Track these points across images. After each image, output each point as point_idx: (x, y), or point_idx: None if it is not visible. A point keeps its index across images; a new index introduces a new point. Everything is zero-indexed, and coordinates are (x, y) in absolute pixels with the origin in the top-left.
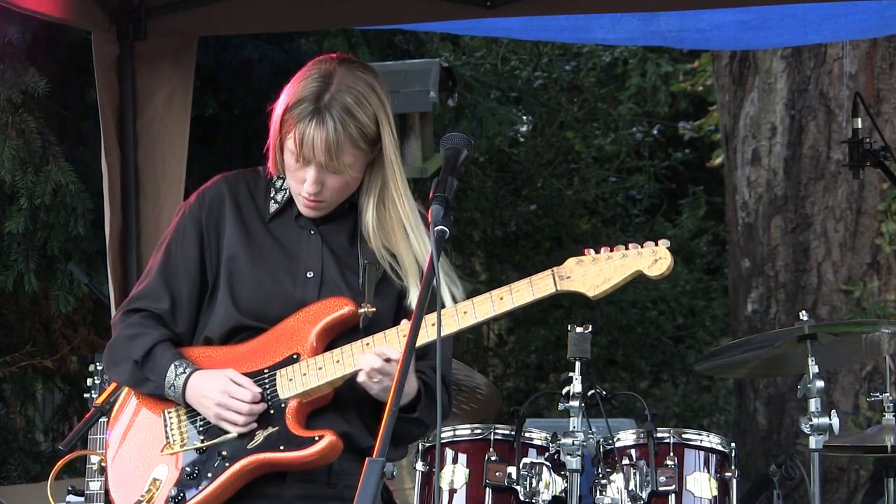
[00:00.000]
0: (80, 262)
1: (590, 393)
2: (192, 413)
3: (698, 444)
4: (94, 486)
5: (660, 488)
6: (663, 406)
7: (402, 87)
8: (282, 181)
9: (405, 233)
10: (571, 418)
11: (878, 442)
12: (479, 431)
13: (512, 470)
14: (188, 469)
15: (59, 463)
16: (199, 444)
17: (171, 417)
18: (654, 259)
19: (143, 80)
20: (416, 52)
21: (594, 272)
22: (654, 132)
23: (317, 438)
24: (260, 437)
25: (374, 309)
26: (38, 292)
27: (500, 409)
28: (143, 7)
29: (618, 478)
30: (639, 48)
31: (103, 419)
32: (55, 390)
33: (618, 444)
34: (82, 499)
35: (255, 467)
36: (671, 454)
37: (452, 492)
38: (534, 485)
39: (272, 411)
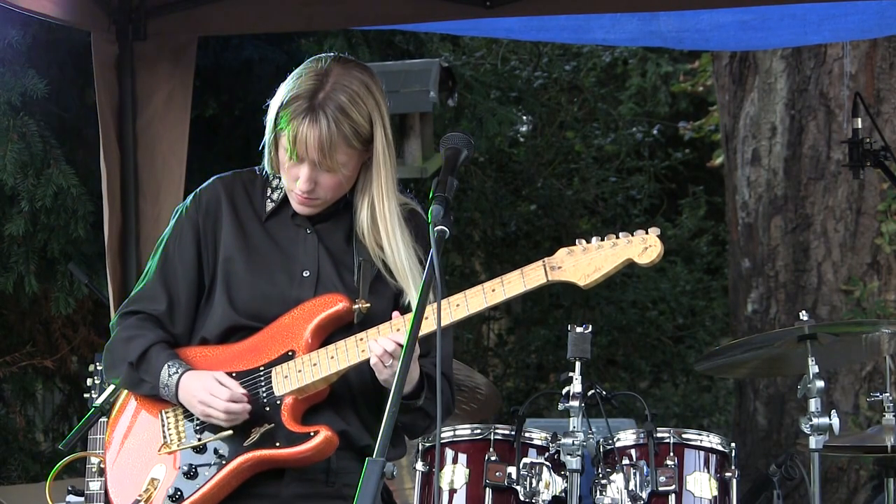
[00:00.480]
0: (80, 264)
1: (590, 393)
2: (189, 413)
3: (698, 444)
4: (94, 486)
5: (660, 488)
6: (663, 406)
7: (402, 87)
8: (278, 180)
9: (388, 238)
10: (571, 418)
11: (878, 442)
12: (479, 431)
13: (512, 470)
14: (185, 468)
15: (60, 465)
16: (195, 443)
17: (168, 417)
18: (644, 247)
19: (143, 81)
20: (416, 52)
21: (585, 262)
22: (654, 132)
23: (312, 434)
24: (256, 434)
25: (368, 305)
26: (38, 293)
27: (500, 409)
28: (143, 7)
29: (618, 478)
30: (639, 48)
31: (103, 419)
32: (55, 390)
33: (618, 444)
34: (82, 499)
35: (251, 464)
36: (671, 454)
37: (452, 492)
38: (534, 485)
39: (268, 408)
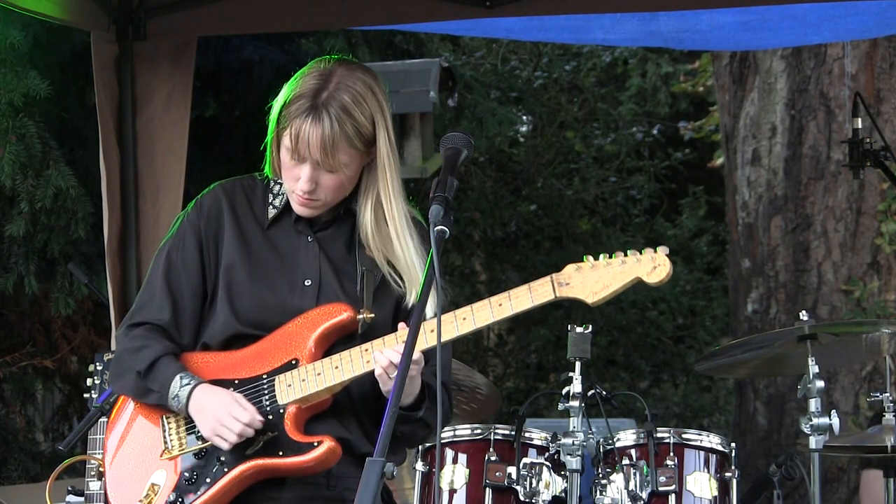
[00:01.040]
0: (80, 264)
1: (590, 393)
2: (191, 419)
3: (698, 444)
4: (94, 486)
5: (660, 488)
6: (663, 406)
7: (402, 87)
8: (279, 185)
9: (397, 239)
10: (571, 418)
11: (878, 442)
12: (479, 431)
13: (512, 470)
14: (187, 474)
15: (60, 467)
16: (197, 448)
17: (169, 423)
18: (653, 266)
19: (143, 81)
20: (416, 52)
21: (593, 279)
22: (654, 132)
23: (316, 444)
24: (259, 442)
25: (372, 315)
26: (38, 294)
27: (500, 409)
28: (143, 7)
29: (618, 478)
30: (639, 48)
31: (103, 419)
32: (55, 390)
33: (618, 444)
34: (82, 499)
35: (253, 473)
36: (671, 454)
37: (452, 492)
38: (534, 485)
39: (271, 417)
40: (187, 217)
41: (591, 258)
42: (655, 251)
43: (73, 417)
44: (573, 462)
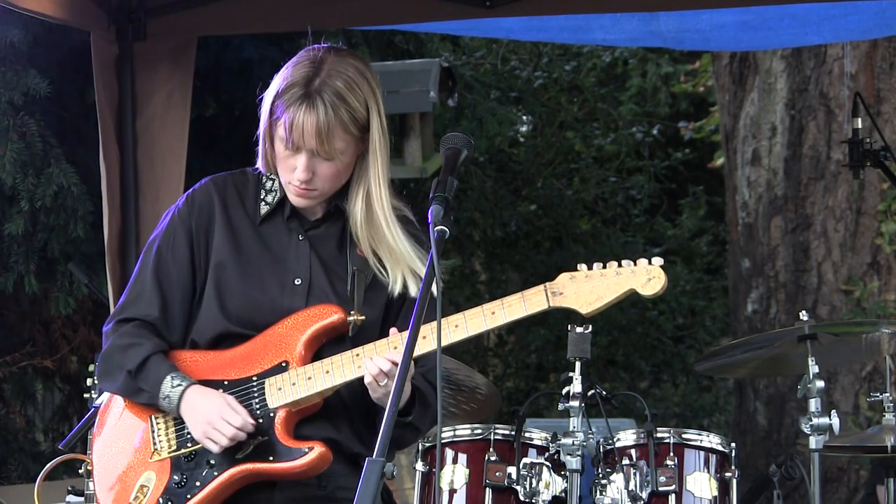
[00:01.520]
0: (80, 264)
1: (590, 393)
2: (180, 420)
3: (698, 444)
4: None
5: (660, 488)
6: (663, 406)
7: (402, 87)
8: (272, 181)
9: (385, 225)
10: (571, 418)
11: (878, 442)
12: (479, 431)
13: (512, 470)
14: (176, 477)
15: (49, 466)
16: (186, 450)
17: (157, 423)
18: (647, 278)
19: (143, 81)
20: (416, 52)
21: (587, 289)
22: (654, 132)
23: (306, 450)
24: (249, 446)
25: (363, 317)
26: (38, 293)
27: (500, 409)
28: (143, 7)
29: (618, 478)
30: (639, 49)
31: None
32: (55, 390)
33: (618, 444)
34: (82, 499)
35: (243, 477)
36: (671, 454)
37: (452, 492)
38: (534, 485)
39: (261, 420)
40: (178, 212)
41: (584, 267)
42: (650, 262)
43: (73, 417)
44: (573, 462)
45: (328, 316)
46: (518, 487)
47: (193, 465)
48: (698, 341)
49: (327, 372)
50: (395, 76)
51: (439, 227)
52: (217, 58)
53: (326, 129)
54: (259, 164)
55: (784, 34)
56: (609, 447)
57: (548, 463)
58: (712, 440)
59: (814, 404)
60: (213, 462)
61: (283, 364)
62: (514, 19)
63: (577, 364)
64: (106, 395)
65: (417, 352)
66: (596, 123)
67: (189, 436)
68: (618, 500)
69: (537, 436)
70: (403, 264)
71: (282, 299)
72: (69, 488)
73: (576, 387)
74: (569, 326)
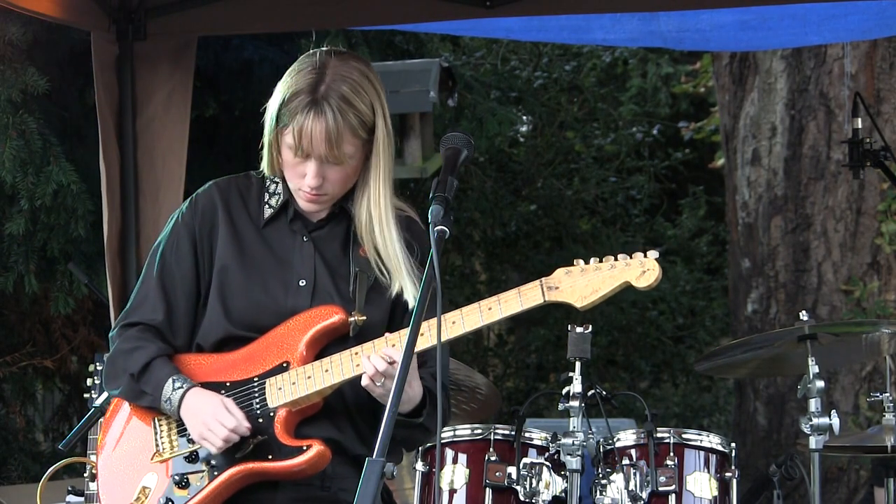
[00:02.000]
0: (80, 263)
1: (590, 393)
2: (183, 422)
3: (698, 444)
4: (94, 486)
5: (660, 488)
6: (663, 406)
7: (402, 87)
8: (276, 185)
9: (374, 225)
10: (571, 418)
11: (878, 442)
12: (479, 431)
13: (512, 470)
14: (177, 478)
15: (52, 469)
16: (188, 451)
17: (161, 425)
18: (642, 270)
19: (143, 81)
20: (416, 52)
21: (583, 283)
22: (655, 132)
23: (305, 448)
24: (249, 446)
25: (364, 318)
26: (38, 293)
27: (500, 409)
28: (143, 7)
29: (618, 478)
30: (639, 49)
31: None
32: (55, 390)
33: (618, 444)
34: (82, 499)
35: (243, 476)
36: (671, 454)
37: (452, 492)
38: (534, 485)
39: (261, 420)
40: (182, 216)
41: (581, 262)
42: (645, 255)
43: (73, 417)
44: (573, 462)
45: (329, 317)
46: (518, 487)
47: (194, 465)
48: (698, 341)
49: (326, 370)
50: (395, 76)
51: (439, 227)
52: (217, 58)
53: (336, 135)
54: (265, 168)
55: (784, 34)
56: (609, 447)
57: (548, 463)
58: (712, 440)
59: (814, 404)
60: (213, 462)
61: (285, 364)
62: (514, 19)
63: (577, 364)
64: (105, 395)
65: (417, 348)
66: (596, 123)
67: (191, 438)
68: (618, 500)
69: (537, 436)
70: (395, 266)
71: (286, 300)
72: (69, 488)
73: (576, 387)
74: (569, 326)
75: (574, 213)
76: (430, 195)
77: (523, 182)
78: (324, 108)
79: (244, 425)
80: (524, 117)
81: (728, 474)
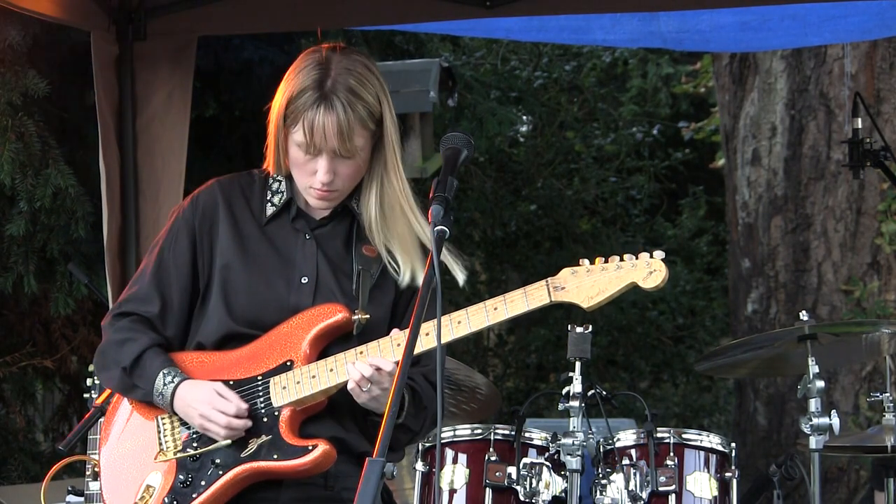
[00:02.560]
0: (79, 264)
1: (590, 393)
2: (185, 420)
3: (698, 444)
4: (94, 486)
5: (660, 488)
6: (663, 406)
7: (402, 87)
8: (279, 183)
9: (404, 213)
10: (571, 418)
11: (878, 442)
12: (479, 431)
13: (512, 470)
14: (181, 477)
15: (55, 467)
16: (192, 452)
17: (164, 424)
18: (649, 271)
19: (143, 81)
20: (416, 52)
21: (589, 283)
22: (655, 132)
23: (310, 448)
24: (253, 445)
25: (367, 316)
26: (37, 294)
27: (500, 409)
28: (143, 7)
29: (618, 478)
30: (639, 49)
31: (103, 419)
32: (55, 390)
33: (618, 444)
34: (82, 499)
35: (248, 475)
36: (671, 454)
37: (452, 492)
38: (534, 485)
39: (265, 419)
40: (182, 213)
41: (586, 262)
42: (652, 256)
43: (73, 417)
44: (573, 462)
45: (333, 315)
46: (518, 487)
47: (198, 464)
48: (698, 341)
49: (331, 370)
50: (395, 76)
51: (439, 227)
52: (217, 58)
53: (347, 128)
54: (269, 166)
55: (784, 35)
56: (609, 447)
57: (548, 463)
58: (712, 440)
59: (814, 404)
60: (218, 461)
61: (288, 363)
62: (514, 19)
63: (577, 364)
64: (106, 394)
65: (420, 348)
66: (596, 123)
67: (195, 436)
68: (618, 500)
69: (537, 436)
70: (419, 254)
71: (288, 298)
72: (69, 488)
73: (576, 387)
74: (569, 326)
75: (574, 213)
76: (430, 195)
77: (523, 182)
78: (333, 101)
79: (243, 407)
80: (524, 117)
81: (728, 474)
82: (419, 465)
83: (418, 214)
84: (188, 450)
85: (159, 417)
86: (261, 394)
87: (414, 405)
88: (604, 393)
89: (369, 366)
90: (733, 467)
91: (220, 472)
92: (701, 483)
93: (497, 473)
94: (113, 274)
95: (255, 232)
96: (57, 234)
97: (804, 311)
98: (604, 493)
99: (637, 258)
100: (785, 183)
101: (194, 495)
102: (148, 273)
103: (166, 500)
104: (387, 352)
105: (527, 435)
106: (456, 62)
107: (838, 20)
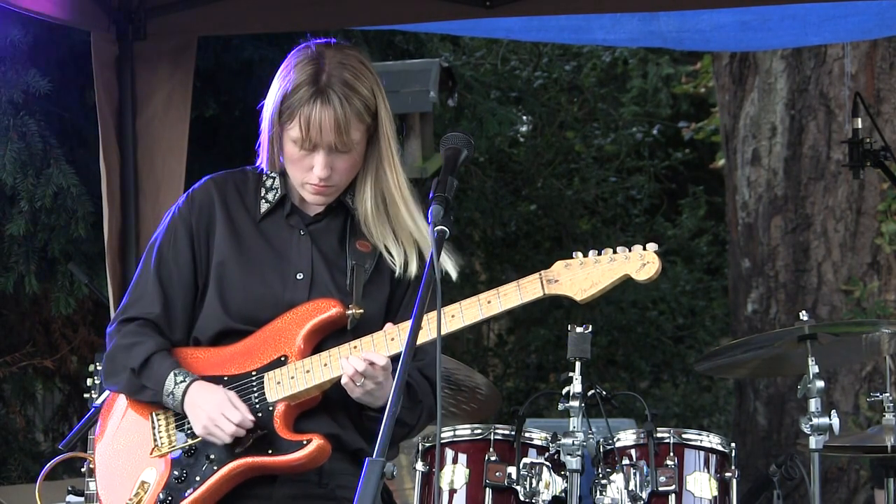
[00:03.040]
0: (80, 264)
1: (590, 393)
2: (181, 416)
3: (698, 444)
4: (94, 486)
5: (660, 488)
6: (663, 406)
7: (402, 87)
8: (272, 179)
9: (399, 205)
10: (571, 418)
11: (878, 442)
12: (479, 431)
13: (512, 470)
14: (176, 472)
15: (50, 464)
16: (186, 445)
17: (159, 420)
18: (641, 263)
19: (143, 81)
20: (416, 52)
21: (582, 276)
22: (655, 132)
23: (305, 442)
24: (248, 440)
25: (361, 310)
26: (38, 294)
27: (500, 409)
28: (143, 7)
29: (618, 478)
30: (639, 49)
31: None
32: (55, 390)
33: (618, 444)
34: (82, 499)
35: (242, 470)
36: (671, 454)
37: (452, 492)
38: (534, 485)
39: (260, 414)
40: (178, 211)
41: (579, 255)
42: (645, 248)
43: (73, 417)
44: (573, 462)
45: (326, 310)
46: (518, 487)
47: (193, 460)
48: (698, 341)
49: (325, 364)
50: (395, 76)
51: (439, 227)
52: (217, 58)
53: (344, 122)
54: (263, 164)
55: (784, 34)
56: (609, 447)
57: (548, 463)
58: (712, 440)
59: (814, 404)
60: (212, 457)
61: (282, 358)
62: (514, 19)
63: (577, 364)
64: (106, 394)
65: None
66: (596, 123)
67: (189, 431)
68: (618, 500)
69: (537, 436)
70: (415, 246)
71: (283, 294)
72: (69, 488)
73: (576, 387)
74: (569, 326)
75: (574, 213)
76: (430, 195)
77: (523, 182)
78: (329, 96)
79: (249, 418)
80: (524, 117)
81: (728, 474)
82: (419, 465)
83: (414, 207)
84: (183, 444)
85: (154, 414)
86: (255, 389)
87: (409, 398)
88: (604, 393)
89: (363, 360)
90: (733, 467)
91: (215, 468)
92: (701, 483)
93: (497, 473)
94: (113, 273)
95: (249, 229)
96: (58, 234)
97: (804, 311)
98: (604, 493)
99: (630, 251)
100: (785, 183)
101: (189, 491)
102: (149, 274)
103: (161, 495)
104: (380, 346)
105: (527, 435)
106: (456, 62)
107: (838, 20)
